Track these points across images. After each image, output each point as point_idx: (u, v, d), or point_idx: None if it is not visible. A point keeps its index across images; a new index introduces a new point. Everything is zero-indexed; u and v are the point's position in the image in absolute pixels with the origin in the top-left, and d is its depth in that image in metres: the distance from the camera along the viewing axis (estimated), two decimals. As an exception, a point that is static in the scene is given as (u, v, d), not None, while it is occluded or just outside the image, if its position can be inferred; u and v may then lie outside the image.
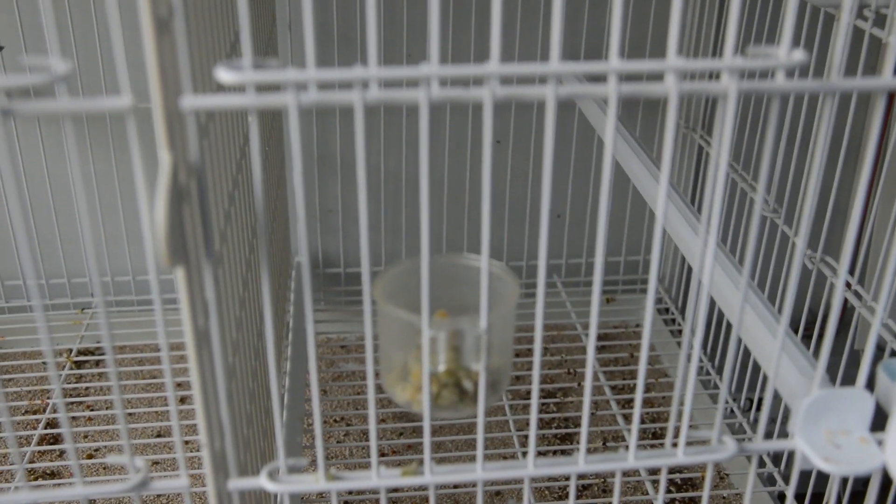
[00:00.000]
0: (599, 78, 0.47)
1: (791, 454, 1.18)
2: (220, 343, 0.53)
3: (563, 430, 1.30)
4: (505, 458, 1.24)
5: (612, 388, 1.37)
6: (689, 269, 1.53)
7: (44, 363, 1.40)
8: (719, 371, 1.38)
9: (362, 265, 0.48)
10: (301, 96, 0.44)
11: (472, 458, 0.56)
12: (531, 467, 0.56)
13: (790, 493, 0.66)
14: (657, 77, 0.48)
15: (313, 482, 0.55)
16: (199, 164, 0.48)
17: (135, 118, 0.44)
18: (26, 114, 0.44)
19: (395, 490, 1.17)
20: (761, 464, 1.17)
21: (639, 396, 0.56)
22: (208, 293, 0.50)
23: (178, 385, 1.36)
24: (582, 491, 1.20)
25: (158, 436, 1.27)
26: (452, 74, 0.45)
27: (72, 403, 1.32)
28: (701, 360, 1.38)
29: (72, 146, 0.45)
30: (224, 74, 0.44)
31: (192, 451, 1.20)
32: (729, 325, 1.34)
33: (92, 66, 1.30)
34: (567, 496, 1.18)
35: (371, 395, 0.52)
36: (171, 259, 0.45)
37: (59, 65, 0.43)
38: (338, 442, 1.28)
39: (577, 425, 1.31)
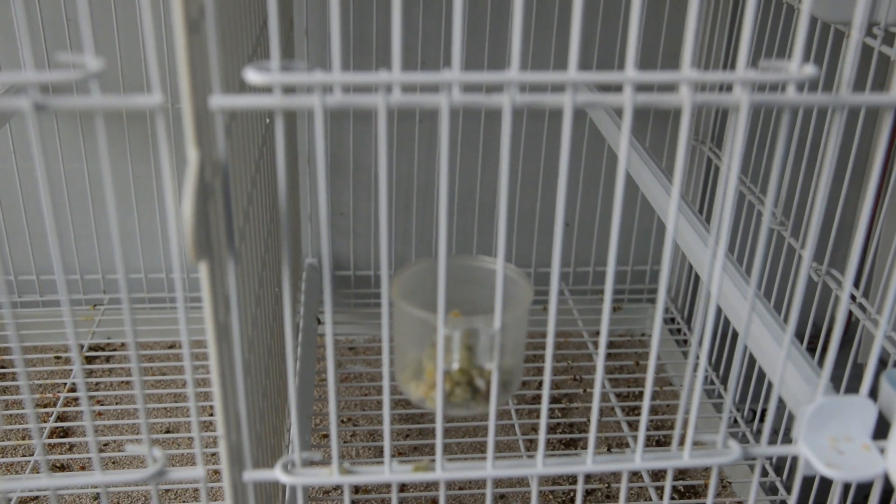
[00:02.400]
0: (612, 88, 0.48)
1: (794, 464, 1.19)
2: (240, 337, 0.54)
3: (568, 436, 1.31)
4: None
5: (617, 395, 1.38)
6: (696, 280, 1.54)
7: (55, 357, 1.41)
8: (723, 381, 1.39)
9: (382, 268, 0.49)
10: (326, 98, 0.46)
11: (479, 461, 0.57)
12: (540, 466, 0.57)
13: (793, 501, 0.68)
14: (670, 88, 0.49)
15: (327, 475, 0.56)
16: (225, 162, 0.49)
17: (162, 116, 0.46)
18: (59, 109, 0.45)
19: (401, 490, 1.19)
20: (763, 473, 1.18)
21: (647, 395, 0.57)
22: (230, 287, 0.51)
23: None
24: (585, 496, 1.21)
25: (167, 432, 1.28)
26: (473, 80, 0.46)
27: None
28: (705, 370, 1.40)
29: (102, 144, 0.46)
30: (253, 76, 0.45)
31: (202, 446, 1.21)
32: (734, 335, 1.36)
33: (110, 65, 1.32)
34: (570, 501, 1.19)
35: (386, 391, 0.54)
36: (196, 253, 0.46)
37: (92, 62, 0.45)
38: (345, 442, 1.29)
39: (582, 431, 1.32)
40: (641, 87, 0.48)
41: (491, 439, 0.56)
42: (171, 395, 1.35)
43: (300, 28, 1.35)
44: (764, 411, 1.36)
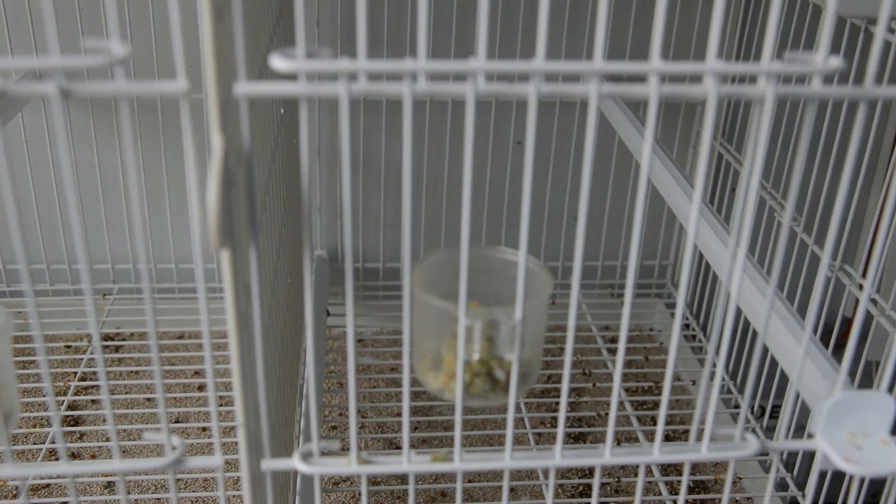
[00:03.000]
0: (624, 79, 0.48)
1: (805, 460, 1.19)
2: (260, 326, 0.54)
3: (577, 430, 1.31)
4: (518, 455, 1.26)
5: (626, 389, 1.38)
6: (705, 273, 1.54)
7: (65, 346, 1.41)
8: (732, 376, 1.39)
9: (403, 258, 0.49)
10: (351, 86, 0.45)
11: (495, 453, 0.57)
12: (558, 457, 0.57)
13: (808, 497, 0.68)
14: (681, 80, 0.49)
15: (345, 465, 0.56)
16: (249, 149, 0.49)
17: (186, 103, 0.46)
18: (83, 94, 0.45)
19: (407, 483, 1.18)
20: (773, 469, 1.18)
21: (666, 392, 0.57)
22: (252, 276, 0.51)
23: (195, 373, 1.38)
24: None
25: (176, 422, 1.28)
26: (498, 69, 0.46)
27: (92, 387, 1.34)
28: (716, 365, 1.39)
29: (126, 131, 0.46)
30: (278, 62, 0.45)
31: (211, 437, 1.22)
32: (744, 328, 1.35)
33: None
34: (578, 495, 1.19)
35: (406, 381, 0.53)
36: (220, 241, 0.46)
37: (117, 48, 0.44)
38: (353, 434, 1.29)
39: (591, 425, 1.32)
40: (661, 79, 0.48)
41: (510, 431, 0.56)
42: (179, 386, 1.35)
43: (311, 19, 1.35)
44: (774, 407, 1.36)
